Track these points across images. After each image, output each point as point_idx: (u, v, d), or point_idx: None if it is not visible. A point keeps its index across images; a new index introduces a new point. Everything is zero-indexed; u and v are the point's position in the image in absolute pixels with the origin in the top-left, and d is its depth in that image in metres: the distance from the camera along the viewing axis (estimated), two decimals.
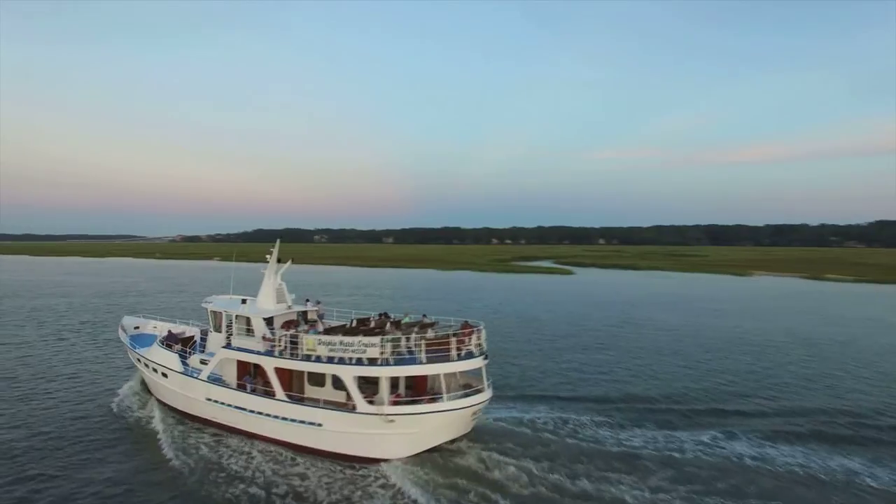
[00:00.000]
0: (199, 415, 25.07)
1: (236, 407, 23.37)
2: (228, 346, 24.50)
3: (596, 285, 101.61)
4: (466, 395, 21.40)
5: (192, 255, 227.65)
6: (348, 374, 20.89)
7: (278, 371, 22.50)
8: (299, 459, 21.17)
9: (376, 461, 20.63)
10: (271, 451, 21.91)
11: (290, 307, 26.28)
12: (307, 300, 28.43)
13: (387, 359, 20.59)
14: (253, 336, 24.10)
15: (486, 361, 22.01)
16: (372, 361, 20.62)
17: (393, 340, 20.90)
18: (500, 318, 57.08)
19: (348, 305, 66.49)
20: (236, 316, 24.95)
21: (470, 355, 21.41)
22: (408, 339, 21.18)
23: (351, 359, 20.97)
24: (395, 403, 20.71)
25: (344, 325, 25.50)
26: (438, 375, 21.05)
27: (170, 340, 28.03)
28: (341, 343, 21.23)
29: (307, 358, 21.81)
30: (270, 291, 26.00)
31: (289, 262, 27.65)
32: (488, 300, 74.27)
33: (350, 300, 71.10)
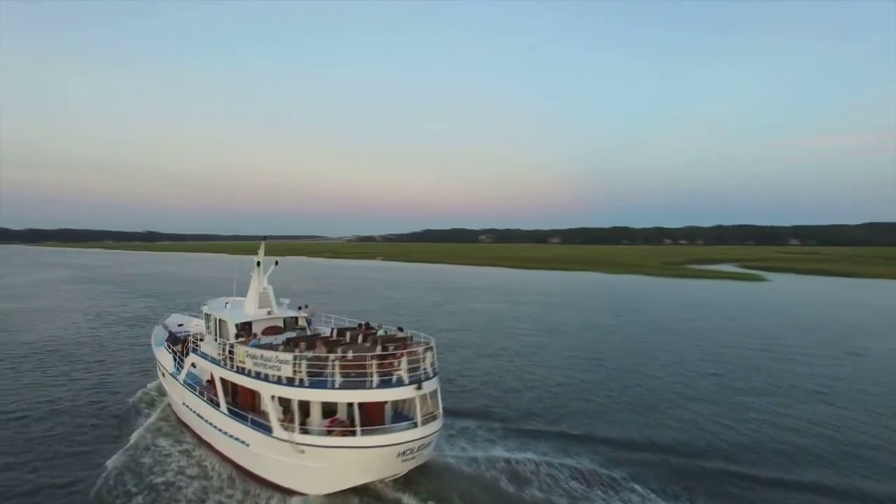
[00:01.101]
0: (181, 418, 24.54)
1: (197, 415, 22.23)
2: (195, 350, 23.46)
3: (802, 298, 78.79)
4: (392, 431, 17.64)
5: (357, 254, 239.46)
6: (267, 391, 18.51)
7: (223, 381, 20.72)
8: (237, 480, 19.39)
9: (291, 493, 18.33)
10: (215, 468, 20.26)
11: (270, 312, 24.39)
12: (303, 306, 26.63)
13: (301, 379, 17.90)
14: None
15: (422, 391, 17.63)
16: (289, 381, 17.99)
17: (310, 358, 18.07)
18: (663, 337, 46.03)
19: (484, 312, 59.74)
20: (217, 319, 23.80)
21: (399, 382, 17.52)
22: (323, 358, 17.98)
23: (270, 375, 18.53)
24: (329, 432, 17.77)
25: (328, 336, 22.57)
26: (402, 401, 18.62)
27: (171, 340, 27.04)
28: (262, 357, 18.93)
29: (241, 371, 19.69)
30: (253, 295, 24.65)
31: (273, 266, 25.86)
32: (653, 311, 62.23)
33: (487, 307, 64.18)
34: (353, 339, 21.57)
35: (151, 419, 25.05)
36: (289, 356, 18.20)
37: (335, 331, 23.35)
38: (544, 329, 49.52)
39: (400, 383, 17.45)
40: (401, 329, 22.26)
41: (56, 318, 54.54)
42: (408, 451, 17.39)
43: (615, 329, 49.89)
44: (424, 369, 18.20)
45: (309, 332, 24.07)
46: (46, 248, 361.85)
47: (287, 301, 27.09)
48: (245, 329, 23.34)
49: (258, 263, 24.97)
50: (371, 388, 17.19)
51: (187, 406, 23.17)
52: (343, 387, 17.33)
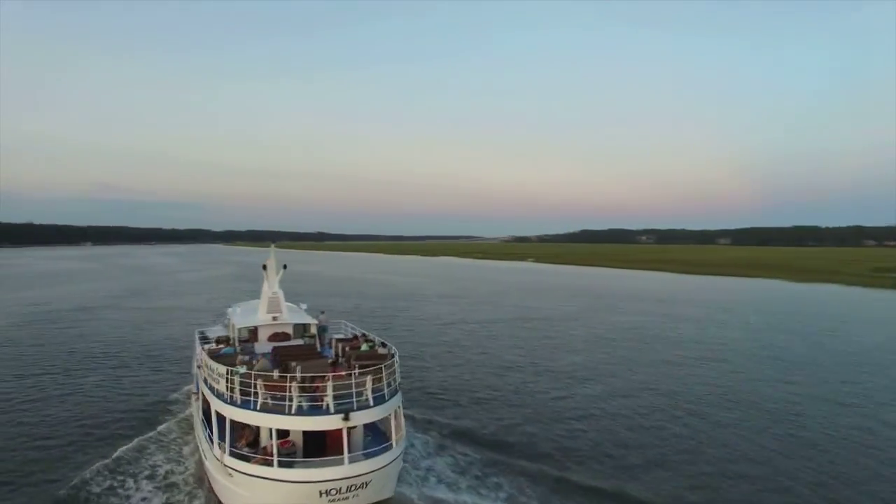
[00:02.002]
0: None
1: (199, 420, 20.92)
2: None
3: None
4: (312, 465, 15.09)
5: (508, 255, 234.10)
6: (212, 405, 17.38)
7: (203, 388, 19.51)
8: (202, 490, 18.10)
9: None
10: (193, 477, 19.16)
11: (276, 318, 23.56)
12: (321, 312, 26.58)
13: (231, 396, 16.29)
14: None
15: (350, 423, 15.22)
16: (226, 397, 16.59)
17: (241, 374, 16.43)
18: (882, 377, 33.56)
19: (631, 327, 50.35)
20: (230, 322, 24.34)
21: (321, 411, 15.26)
22: (247, 375, 16.40)
23: (214, 389, 17.48)
24: (249, 458, 15.59)
25: (307, 347, 22.03)
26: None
27: (203, 341, 25.58)
28: (209, 368, 18.30)
29: (204, 380, 18.86)
30: (263, 300, 23.96)
31: (283, 270, 25.15)
32: (862, 336, 47.69)
33: (637, 321, 54.32)
34: (344, 352, 20.52)
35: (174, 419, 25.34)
36: (223, 370, 17.10)
37: (333, 341, 22.82)
38: (705, 356, 39.10)
39: (319, 412, 15.42)
40: (384, 344, 21.05)
41: (186, 317, 55.86)
42: (333, 491, 14.74)
43: (806, 360, 37.98)
44: (366, 395, 15.93)
45: (318, 341, 23.54)
46: (234, 248, 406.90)
47: (304, 307, 27.47)
48: (252, 334, 23.19)
49: (264, 267, 24.45)
50: (286, 413, 15.38)
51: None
52: (262, 409, 15.73)
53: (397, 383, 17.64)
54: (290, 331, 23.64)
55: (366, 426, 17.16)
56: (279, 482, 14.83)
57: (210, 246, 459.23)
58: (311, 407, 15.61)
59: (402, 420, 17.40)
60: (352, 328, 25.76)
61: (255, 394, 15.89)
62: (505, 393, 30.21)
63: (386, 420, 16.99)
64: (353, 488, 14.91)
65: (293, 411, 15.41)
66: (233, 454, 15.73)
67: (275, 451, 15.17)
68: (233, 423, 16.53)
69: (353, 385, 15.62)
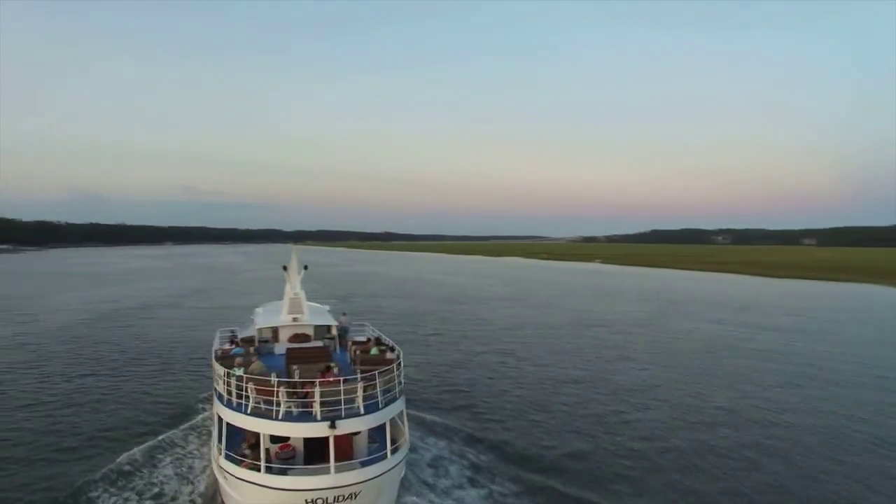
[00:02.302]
0: None
1: None
2: None
3: None
4: (302, 473, 14.79)
5: (574, 256, 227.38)
6: (213, 406, 17.75)
7: None
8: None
9: None
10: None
11: (296, 319, 23.46)
12: (343, 314, 26.88)
13: (228, 398, 16.19)
14: None
15: (337, 431, 14.51)
16: (223, 398, 16.54)
17: (237, 376, 16.28)
18: None
19: (703, 337, 45.89)
20: (253, 322, 24.55)
21: (310, 418, 14.86)
22: (240, 378, 16.15)
23: (216, 389, 17.49)
24: (239, 461, 15.29)
25: (320, 348, 21.59)
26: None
27: (225, 341, 25.08)
28: (214, 369, 18.14)
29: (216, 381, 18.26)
30: (285, 301, 23.89)
31: (304, 271, 25.32)
32: None
33: (711, 329, 49.39)
34: (355, 356, 19.92)
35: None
36: (222, 370, 16.99)
37: (349, 343, 22.40)
38: (794, 375, 34.22)
39: (307, 419, 15.01)
40: (392, 348, 20.45)
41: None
42: (319, 501, 14.22)
43: None
44: (357, 403, 15.27)
45: (338, 342, 23.38)
46: (302, 247, 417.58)
47: (327, 308, 27.33)
48: (273, 334, 23.22)
49: (285, 268, 24.70)
50: (275, 419, 15.09)
51: None
52: (252, 413, 15.44)
53: (397, 390, 16.89)
54: (310, 332, 23.53)
55: (374, 432, 16.44)
56: (266, 488, 14.51)
57: (280, 245, 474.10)
58: (302, 413, 15.26)
59: (405, 428, 17.08)
60: (371, 330, 25.75)
61: (247, 397, 15.64)
62: (555, 411, 27.21)
63: (395, 426, 16.65)
64: (340, 499, 14.37)
65: (280, 416, 15.11)
66: (227, 457, 15.57)
67: (262, 455, 14.82)
68: (230, 425, 16.27)
69: (342, 392, 14.99)
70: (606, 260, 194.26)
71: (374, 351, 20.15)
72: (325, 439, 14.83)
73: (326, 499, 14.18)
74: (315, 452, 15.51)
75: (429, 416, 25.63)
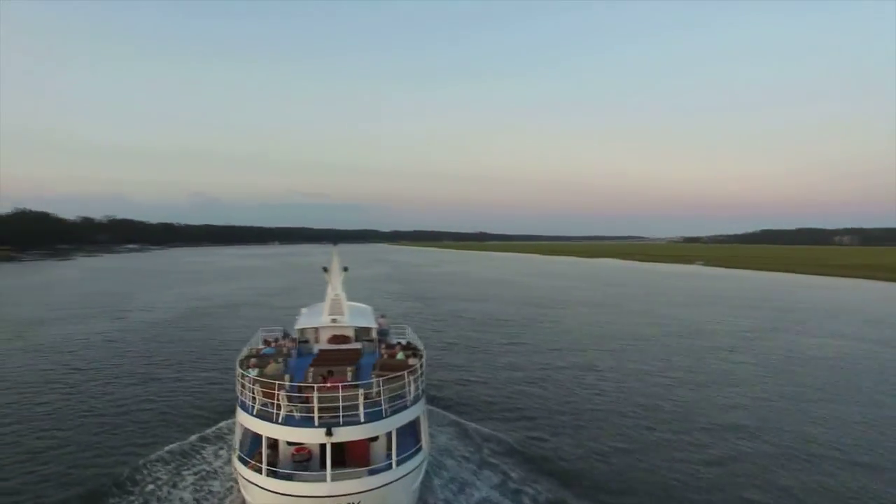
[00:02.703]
0: None
1: None
2: None
3: None
4: (300, 479, 14.47)
5: (672, 257, 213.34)
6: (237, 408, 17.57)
7: None
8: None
9: None
10: None
11: (335, 320, 23.27)
12: (381, 316, 26.95)
13: (242, 399, 16.52)
14: None
15: (333, 438, 14.20)
16: (239, 400, 16.99)
17: (253, 376, 16.40)
18: None
19: (836, 356, 39.41)
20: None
21: (309, 423, 14.57)
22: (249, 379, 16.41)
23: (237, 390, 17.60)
24: (246, 463, 15.24)
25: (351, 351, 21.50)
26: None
27: (266, 340, 25.26)
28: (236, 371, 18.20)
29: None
30: (326, 302, 23.77)
31: (344, 272, 24.83)
32: None
33: (844, 346, 42.11)
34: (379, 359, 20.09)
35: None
36: (238, 371, 17.27)
37: (382, 346, 22.54)
38: None
39: (304, 423, 14.66)
40: (415, 353, 20.08)
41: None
42: None
43: None
44: (357, 410, 14.75)
45: (375, 344, 23.11)
46: (396, 247, 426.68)
47: (370, 309, 27.55)
48: (314, 335, 23.53)
49: (325, 269, 24.70)
50: (275, 422, 14.89)
51: None
52: (257, 415, 15.43)
53: (410, 398, 16.28)
54: (350, 333, 23.65)
55: (399, 437, 15.70)
56: (266, 491, 14.36)
57: (375, 245, 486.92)
58: (303, 418, 14.92)
59: (422, 436, 16.63)
60: (408, 333, 26.02)
61: (254, 399, 15.75)
62: (634, 442, 23.08)
63: (413, 430, 16.51)
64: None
65: (280, 420, 14.98)
66: (239, 458, 15.75)
67: (264, 458, 14.70)
68: (243, 426, 16.59)
69: (340, 399, 14.60)
70: (709, 262, 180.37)
71: (400, 356, 19.78)
72: (342, 444, 14.83)
73: None
74: (335, 457, 14.95)
75: (472, 424, 24.44)
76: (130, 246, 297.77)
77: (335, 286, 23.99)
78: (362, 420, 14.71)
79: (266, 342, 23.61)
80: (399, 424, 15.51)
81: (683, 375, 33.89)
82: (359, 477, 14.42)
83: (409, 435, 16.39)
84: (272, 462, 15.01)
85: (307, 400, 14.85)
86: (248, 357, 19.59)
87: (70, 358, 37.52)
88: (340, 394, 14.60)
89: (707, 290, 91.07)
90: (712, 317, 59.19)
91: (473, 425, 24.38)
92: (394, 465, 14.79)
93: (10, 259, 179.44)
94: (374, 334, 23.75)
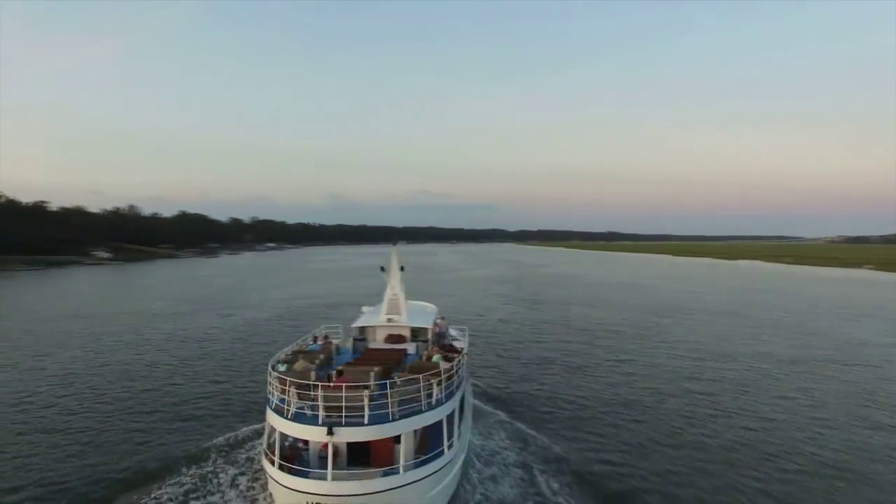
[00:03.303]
0: None
1: None
2: None
3: None
4: (306, 475, 14.66)
5: (831, 260, 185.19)
6: None
7: None
8: None
9: None
10: None
11: (391, 320, 23.84)
12: (441, 318, 26.88)
13: (268, 397, 16.74)
14: None
15: (335, 437, 14.33)
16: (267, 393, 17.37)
17: (280, 372, 17.03)
18: None
19: None
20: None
21: (314, 421, 14.66)
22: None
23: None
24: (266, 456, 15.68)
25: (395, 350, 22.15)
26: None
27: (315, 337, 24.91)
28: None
29: None
30: (384, 301, 24.39)
31: (401, 272, 24.50)
32: None
33: None
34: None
35: None
36: (269, 366, 17.85)
37: (430, 346, 22.37)
38: None
39: (305, 419, 14.90)
40: (448, 358, 19.00)
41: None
42: None
43: None
44: (363, 412, 14.59)
45: (427, 345, 22.83)
46: (522, 247, 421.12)
47: (434, 309, 28.35)
48: (370, 334, 24.14)
49: (382, 269, 25.02)
50: (285, 417, 15.28)
51: None
52: (274, 410, 15.77)
53: (425, 403, 15.79)
54: (406, 333, 23.96)
55: (430, 437, 16.19)
56: (276, 483, 14.75)
57: (501, 245, 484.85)
58: (313, 416, 14.95)
59: (444, 442, 15.99)
60: (462, 335, 26.50)
61: (272, 393, 16.18)
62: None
63: (435, 434, 16.17)
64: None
65: (289, 416, 15.29)
66: (264, 451, 16.05)
67: (277, 452, 15.03)
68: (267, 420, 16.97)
69: (343, 399, 14.60)
70: (881, 266, 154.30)
71: (436, 358, 19.10)
72: (366, 444, 15.26)
73: None
74: (356, 455, 15.66)
75: (542, 440, 22.45)
76: (269, 244, 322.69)
77: (393, 285, 24.46)
78: (366, 422, 14.54)
79: (314, 339, 23.78)
80: (410, 428, 15.35)
81: (839, 415, 25.88)
82: (361, 479, 14.24)
83: (429, 438, 16.38)
84: (289, 457, 15.18)
85: (315, 398, 14.85)
86: (294, 353, 20.39)
87: (164, 351, 39.87)
88: (344, 394, 14.54)
89: (878, 302, 75.65)
90: (886, 338, 47.65)
91: (542, 441, 22.30)
92: (401, 469, 14.61)
93: (171, 256, 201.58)
94: (429, 335, 23.95)
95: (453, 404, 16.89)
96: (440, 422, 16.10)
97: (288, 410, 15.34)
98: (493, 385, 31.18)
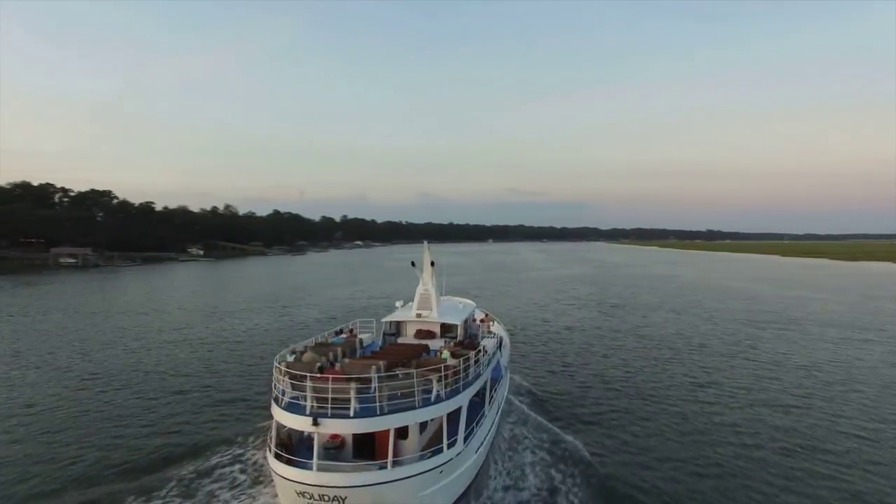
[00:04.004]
0: None
1: None
2: None
3: None
4: (299, 465, 14.45)
5: None
6: None
7: None
8: None
9: None
10: None
11: (420, 315, 23.97)
12: (485, 314, 27.19)
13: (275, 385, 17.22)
14: None
15: (320, 427, 14.30)
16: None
17: (287, 365, 16.60)
18: None
19: None
20: None
21: (303, 411, 14.73)
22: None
23: None
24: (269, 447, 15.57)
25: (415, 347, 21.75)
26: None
27: (340, 331, 24.63)
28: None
29: None
30: (415, 297, 24.60)
31: (432, 268, 24.82)
32: None
33: None
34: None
35: None
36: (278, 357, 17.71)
37: (451, 343, 21.96)
38: None
39: (303, 411, 14.72)
40: (457, 356, 17.97)
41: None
42: (307, 495, 13.92)
43: None
44: (358, 404, 14.45)
45: (460, 340, 22.78)
46: (614, 246, 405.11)
47: (462, 304, 28.10)
48: (399, 328, 24.46)
49: (413, 263, 25.42)
50: (280, 407, 15.36)
51: None
52: (274, 399, 15.96)
53: (419, 399, 15.01)
54: (436, 329, 23.84)
55: (405, 435, 15.60)
56: (272, 472, 14.73)
57: (591, 244, 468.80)
58: (301, 406, 14.83)
59: (446, 439, 15.36)
60: (491, 335, 25.04)
61: (275, 385, 16.15)
62: None
63: (434, 431, 16.25)
64: (325, 499, 13.92)
65: (282, 405, 15.23)
66: (267, 442, 16.07)
67: (273, 441, 15.10)
68: None
69: (329, 391, 14.45)
70: None
71: (445, 354, 18.59)
72: (371, 436, 15.15)
73: (312, 495, 13.80)
74: (361, 447, 15.71)
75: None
76: (357, 242, 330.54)
77: (425, 281, 24.52)
78: (351, 414, 14.33)
79: (338, 332, 23.33)
80: (401, 423, 14.83)
81: None
82: (347, 471, 14.12)
83: (427, 435, 16.30)
84: (287, 446, 15.29)
85: (304, 388, 14.77)
86: (327, 344, 20.42)
87: (215, 347, 40.74)
88: (330, 385, 14.46)
89: None
90: None
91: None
92: (389, 465, 14.30)
93: (260, 254, 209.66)
94: (458, 331, 23.54)
95: (459, 402, 16.11)
96: (441, 418, 15.61)
97: (282, 400, 15.33)
98: (539, 398, 27.96)
